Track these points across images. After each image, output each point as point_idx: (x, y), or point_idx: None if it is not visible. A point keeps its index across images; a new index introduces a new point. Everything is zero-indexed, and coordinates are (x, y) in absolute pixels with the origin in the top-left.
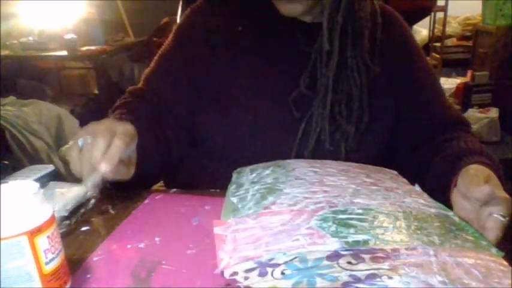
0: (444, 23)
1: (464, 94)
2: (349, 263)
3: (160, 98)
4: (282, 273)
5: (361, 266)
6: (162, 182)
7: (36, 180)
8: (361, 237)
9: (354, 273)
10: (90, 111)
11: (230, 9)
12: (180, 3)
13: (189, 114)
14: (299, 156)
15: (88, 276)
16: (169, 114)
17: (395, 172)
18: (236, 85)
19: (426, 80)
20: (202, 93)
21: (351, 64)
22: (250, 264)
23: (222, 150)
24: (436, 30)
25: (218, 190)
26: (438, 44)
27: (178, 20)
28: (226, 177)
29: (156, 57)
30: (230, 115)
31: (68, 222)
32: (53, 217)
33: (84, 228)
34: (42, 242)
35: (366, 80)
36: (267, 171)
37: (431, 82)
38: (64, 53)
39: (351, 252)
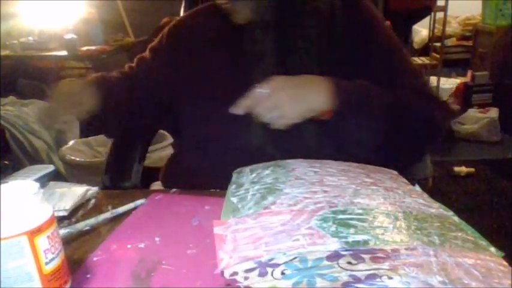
0: (444, 23)
1: (464, 94)
2: (349, 263)
3: (145, 76)
4: (282, 273)
5: (361, 266)
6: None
7: (36, 180)
8: (361, 237)
9: (354, 273)
10: None
11: (211, 18)
12: (183, 4)
13: (167, 95)
14: (265, 136)
15: (88, 276)
16: (150, 87)
17: (395, 172)
18: (212, 81)
19: (391, 57)
20: (184, 86)
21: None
22: (250, 264)
23: (202, 141)
24: (436, 30)
25: (218, 190)
26: (438, 44)
27: None
28: (204, 170)
29: (148, 47)
30: (206, 107)
31: (67, 222)
32: (53, 217)
33: (84, 228)
34: (42, 242)
35: (313, 59)
36: (267, 171)
37: (398, 59)
38: (64, 53)
39: (351, 252)
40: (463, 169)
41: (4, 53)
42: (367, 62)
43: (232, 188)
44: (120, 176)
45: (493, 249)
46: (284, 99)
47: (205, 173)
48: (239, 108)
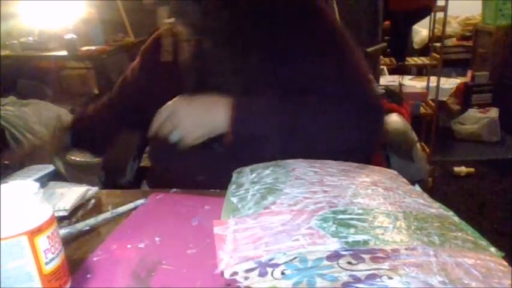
0: (444, 23)
1: (464, 94)
2: (349, 263)
3: (126, 95)
4: (282, 273)
5: (361, 266)
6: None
7: (36, 180)
8: (361, 237)
9: (354, 273)
10: None
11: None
12: None
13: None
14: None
15: (88, 276)
16: (132, 105)
17: (395, 172)
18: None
19: (333, 62)
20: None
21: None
22: (250, 264)
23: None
24: (436, 30)
25: (218, 190)
26: (438, 44)
27: None
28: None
29: (129, 69)
30: None
31: (67, 222)
32: (53, 217)
33: (84, 228)
34: (42, 242)
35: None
36: (267, 171)
37: (341, 65)
38: (64, 53)
39: (351, 252)
40: (463, 169)
41: (4, 53)
42: (306, 63)
43: (232, 188)
44: (115, 173)
45: (493, 249)
46: (183, 119)
47: (174, 174)
48: (151, 130)
